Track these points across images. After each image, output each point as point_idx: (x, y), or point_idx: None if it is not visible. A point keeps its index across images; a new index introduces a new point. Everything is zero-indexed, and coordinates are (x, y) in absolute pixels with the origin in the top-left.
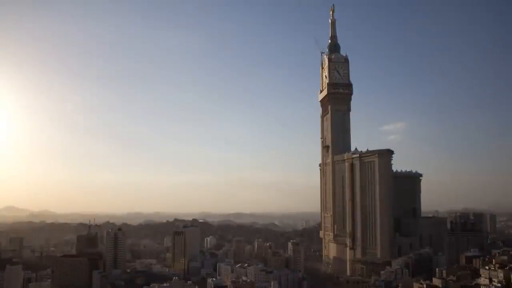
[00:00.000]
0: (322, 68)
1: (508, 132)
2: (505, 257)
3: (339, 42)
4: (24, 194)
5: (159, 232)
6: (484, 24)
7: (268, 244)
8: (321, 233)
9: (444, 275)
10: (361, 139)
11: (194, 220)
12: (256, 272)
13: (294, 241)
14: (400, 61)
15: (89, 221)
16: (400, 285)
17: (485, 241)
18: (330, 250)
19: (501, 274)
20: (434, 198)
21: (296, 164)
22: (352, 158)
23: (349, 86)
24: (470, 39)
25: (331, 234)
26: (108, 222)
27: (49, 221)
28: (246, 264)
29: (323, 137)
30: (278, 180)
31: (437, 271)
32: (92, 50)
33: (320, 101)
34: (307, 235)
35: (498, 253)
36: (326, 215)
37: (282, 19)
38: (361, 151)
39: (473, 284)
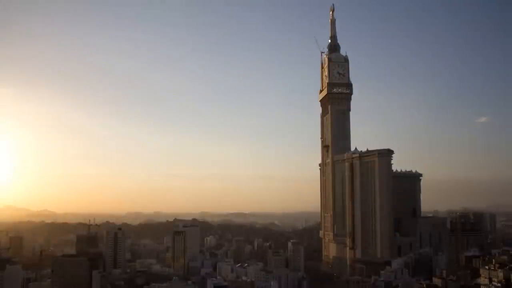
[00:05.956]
0: (322, 68)
1: (508, 131)
2: (505, 257)
3: (339, 42)
4: (24, 193)
5: (159, 232)
6: (485, 24)
7: (268, 244)
8: (321, 233)
9: (444, 275)
10: (361, 139)
11: (194, 220)
12: (256, 272)
13: (294, 241)
14: (400, 60)
15: (89, 221)
16: (400, 285)
17: (485, 241)
18: (330, 250)
19: (501, 274)
20: (434, 198)
21: (296, 164)
22: (352, 158)
23: (349, 86)
24: (470, 39)
25: (331, 234)
26: (108, 222)
27: (48, 220)
28: (246, 264)
29: (323, 137)
30: (278, 180)
31: (437, 271)
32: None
33: (320, 101)
34: (307, 235)
35: (498, 253)
36: (326, 215)
37: (282, 19)
38: (361, 151)
39: (473, 284)
